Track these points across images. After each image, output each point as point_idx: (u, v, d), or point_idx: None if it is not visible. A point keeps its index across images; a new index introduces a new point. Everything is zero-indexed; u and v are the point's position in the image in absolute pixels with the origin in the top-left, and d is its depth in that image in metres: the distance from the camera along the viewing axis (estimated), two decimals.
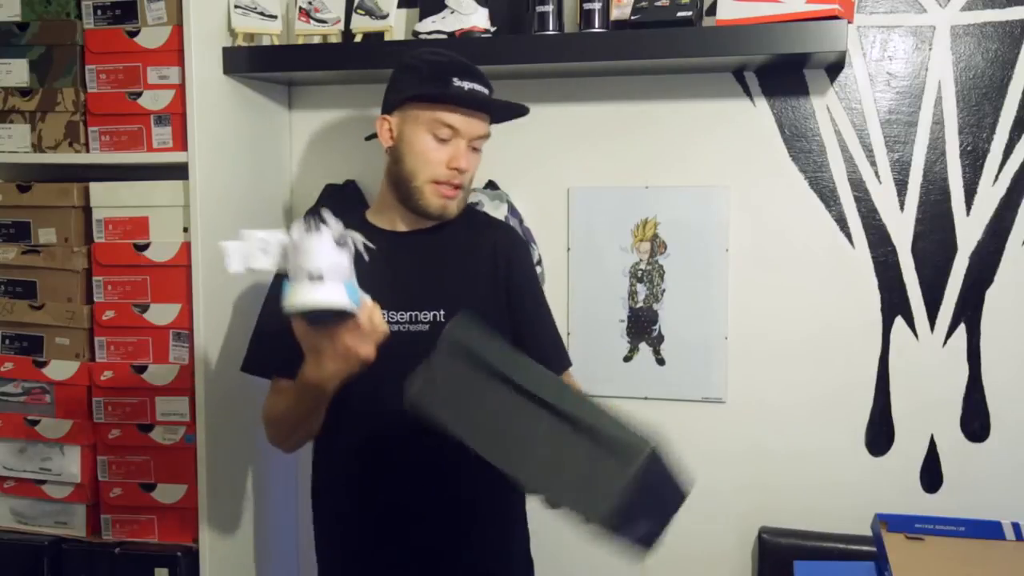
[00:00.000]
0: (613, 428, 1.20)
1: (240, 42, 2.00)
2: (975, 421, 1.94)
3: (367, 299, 1.35)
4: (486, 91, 1.60)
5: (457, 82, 1.56)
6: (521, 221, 2.05)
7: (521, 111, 1.67)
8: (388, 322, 1.53)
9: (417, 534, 1.60)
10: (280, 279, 1.61)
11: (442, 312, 1.59)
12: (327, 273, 1.26)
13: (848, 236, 1.97)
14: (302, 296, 1.27)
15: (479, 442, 1.26)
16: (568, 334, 2.08)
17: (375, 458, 1.59)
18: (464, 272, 1.64)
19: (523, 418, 1.24)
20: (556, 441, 1.22)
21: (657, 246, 2.05)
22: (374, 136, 1.66)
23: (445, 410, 1.29)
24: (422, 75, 1.58)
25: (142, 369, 1.93)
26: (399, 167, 1.59)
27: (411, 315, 1.60)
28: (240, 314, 2.05)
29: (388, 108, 1.62)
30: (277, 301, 1.59)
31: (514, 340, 1.66)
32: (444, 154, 1.57)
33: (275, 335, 1.58)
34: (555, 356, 1.70)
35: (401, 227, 1.65)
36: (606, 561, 2.12)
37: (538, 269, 1.98)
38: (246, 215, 2.06)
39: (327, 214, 1.31)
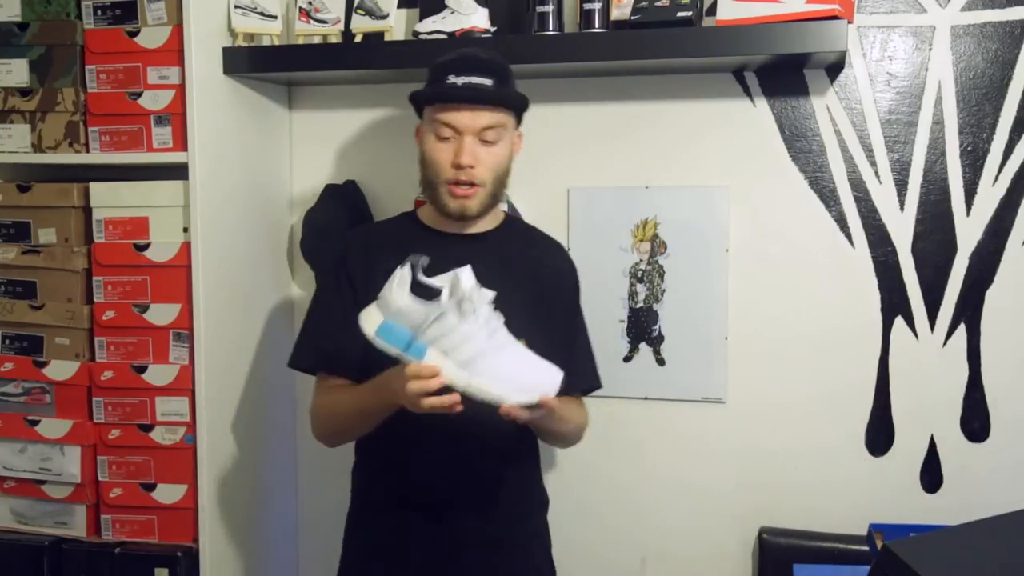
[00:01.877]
0: None
1: (240, 42, 2.00)
2: (975, 421, 1.94)
3: (427, 365, 1.36)
4: (488, 81, 1.54)
5: (452, 78, 1.53)
6: None
7: (516, 100, 1.59)
8: None
9: (450, 532, 1.60)
10: (328, 278, 1.67)
11: None
12: (393, 316, 1.35)
13: (848, 236, 1.97)
14: (365, 321, 1.40)
15: None
16: None
17: (420, 454, 1.58)
18: (502, 284, 1.58)
19: None
20: None
21: (657, 246, 2.04)
22: None
23: None
24: (428, 78, 1.59)
25: (142, 369, 1.93)
26: (422, 172, 1.60)
27: None
28: (240, 314, 2.05)
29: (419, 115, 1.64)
30: (326, 300, 1.64)
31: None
32: (448, 153, 1.55)
33: (323, 334, 1.63)
34: (583, 375, 1.69)
35: (443, 227, 1.64)
36: (608, 562, 2.13)
37: None
38: (246, 215, 2.06)
39: (469, 281, 1.36)
